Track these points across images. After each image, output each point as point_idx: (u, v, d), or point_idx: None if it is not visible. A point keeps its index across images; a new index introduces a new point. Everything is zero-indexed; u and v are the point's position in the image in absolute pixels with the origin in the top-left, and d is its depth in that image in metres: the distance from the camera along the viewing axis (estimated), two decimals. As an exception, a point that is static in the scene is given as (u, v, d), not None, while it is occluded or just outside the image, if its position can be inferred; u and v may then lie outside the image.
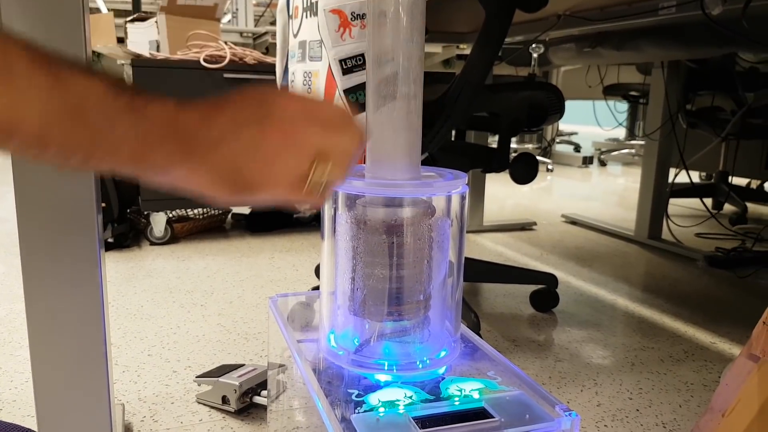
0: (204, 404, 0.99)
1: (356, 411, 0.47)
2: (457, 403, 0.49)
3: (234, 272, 1.72)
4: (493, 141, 1.92)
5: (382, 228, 0.54)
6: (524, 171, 1.19)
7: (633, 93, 3.66)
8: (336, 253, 0.57)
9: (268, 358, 0.86)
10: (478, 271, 1.53)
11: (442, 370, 0.55)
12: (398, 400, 0.49)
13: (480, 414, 0.47)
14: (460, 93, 1.07)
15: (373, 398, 0.50)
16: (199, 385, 1.02)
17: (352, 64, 0.92)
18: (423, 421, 0.45)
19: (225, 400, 0.96)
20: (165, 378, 1.08)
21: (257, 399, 0.96)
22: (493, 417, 0.46)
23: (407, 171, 0.55)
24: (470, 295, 1.59)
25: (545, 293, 1.47)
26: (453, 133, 1.46)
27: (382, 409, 0.48)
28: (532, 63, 2.26)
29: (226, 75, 1.90)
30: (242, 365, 1.03)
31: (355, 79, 0.94)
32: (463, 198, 0.56)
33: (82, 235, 0.58)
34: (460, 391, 0.51)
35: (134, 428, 0.92)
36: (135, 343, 1.23)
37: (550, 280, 1.47)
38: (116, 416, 0.90)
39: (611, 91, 3.52)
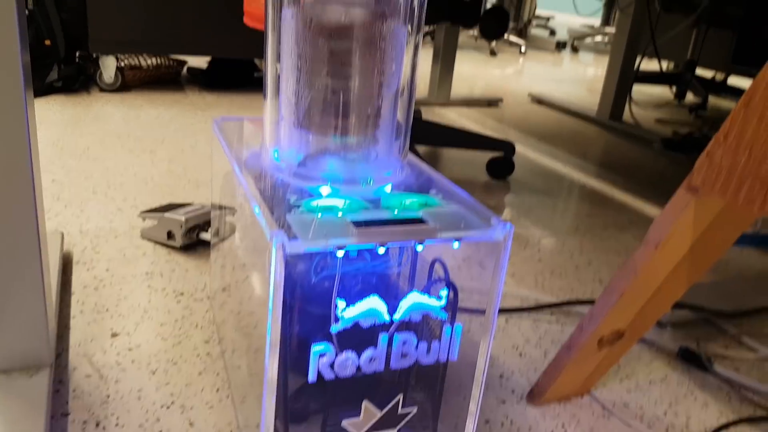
0: (149, 240, 0.98)
1: (292, 212, 0.46)
2: (396, 212, 0.48)
3: (188, 123, 1.65)
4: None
5: (330, 28, 0.50)
6: (494, 24, 1.13)
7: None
8: (280, 59, 0.53)
9: (211, 187, 0.84)
10: (438, 135, 1.51)
11: (387, 189, 0.54)
12: (337, 206, 0.48)
13: (417, 221, 0.46)
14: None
15: (312, 204, 0.48)
16: (143, 221, 1.00)
17: None
18: (359, 224, 0.44)
19: (170, 235, 0.95)
20: (109, 214, 1.05)
21: (203, 235, 0.95)
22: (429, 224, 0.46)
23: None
24: (429, 161, 1.58)
25: (501, 161, 1.47)
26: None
27: (320, 213, 0.47)
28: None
29: None
30: (190, 204, 1.01)
31: None
32: (422, 3, 0.52)
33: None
34: (400, 203, 0.50)
35: (74, 258, 0.90)
36: (79, 181, 1.18)
37: (508, 148, 1.47)
38: (53, 243, 0.88)
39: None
